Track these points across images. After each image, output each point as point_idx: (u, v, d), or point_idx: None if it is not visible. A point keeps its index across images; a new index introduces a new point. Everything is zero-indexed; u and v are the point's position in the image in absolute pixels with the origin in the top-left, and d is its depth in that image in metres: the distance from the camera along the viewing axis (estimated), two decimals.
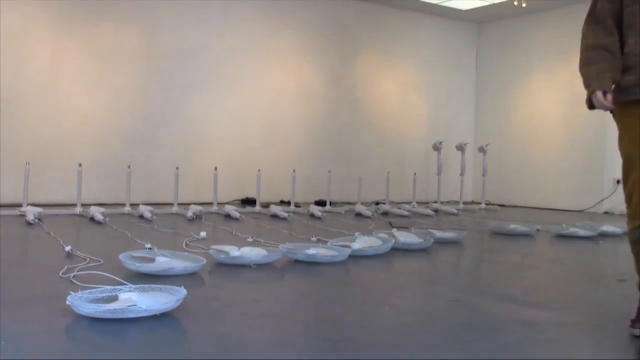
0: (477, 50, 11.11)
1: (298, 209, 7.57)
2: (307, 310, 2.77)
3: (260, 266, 3.64)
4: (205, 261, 3.43)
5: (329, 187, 8.15)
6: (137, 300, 2.40)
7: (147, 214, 6.22)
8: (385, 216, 7.46)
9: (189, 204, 7.16)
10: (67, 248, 3.89)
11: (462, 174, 9.47)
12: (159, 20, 8.12)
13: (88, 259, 3.61)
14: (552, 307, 2.97)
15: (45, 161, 7.33)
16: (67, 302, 2.35)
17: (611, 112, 2.47)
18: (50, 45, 7.44)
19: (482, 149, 9.61)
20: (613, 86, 2.41)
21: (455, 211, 8.25)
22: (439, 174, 9.32)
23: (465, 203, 9.54)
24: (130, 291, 2.52)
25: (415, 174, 9.10)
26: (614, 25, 2.46)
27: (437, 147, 9.36)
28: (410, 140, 10.24)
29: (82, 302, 2.39)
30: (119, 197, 7.34)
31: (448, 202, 9.51)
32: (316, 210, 7.16)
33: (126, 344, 2.17)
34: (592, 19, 2.50)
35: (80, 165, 6.66)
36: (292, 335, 2.36)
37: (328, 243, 4.35)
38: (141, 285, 2.61)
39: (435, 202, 9.14)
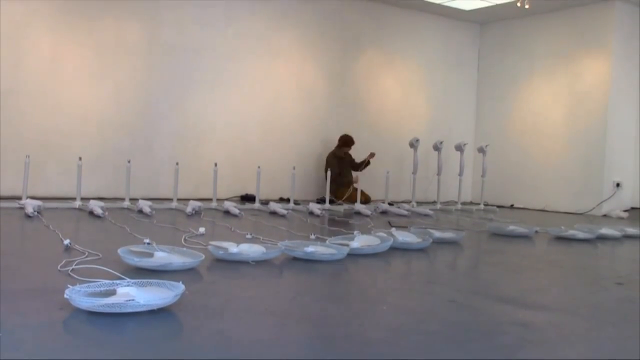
0: (479, 50, 11.11)
1: (297, 207, 7.58)
2: (305, 308, 2.78)
3: (259, 263, 3.65)
4: (203, 257, 3.43)
5: (328, 185, 8.14)
6: (135, 295, 2.40)
7: (147, 209, 6.22)
8: (385, 215, 7.46)
9: (189, 199, 7.16)
10: (66, 241, 3.89)
11: (460, 174, 9.46)
12: (161, 15, 8.11)
13: (87, 253, 3.61)
14: (550, 308, 2.97)
15: (45, 154, 7.33)
16: (65, 296, 2.35)
17: None
18: (51, 38, 7.44)
19: (481, 150, 9.61)
20: None
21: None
22: (439, 174, 9.32)
23: (463, 204, 9.54)
24: (128, 286, 2.52)
25: (413, 173, 9.10)
26: None
27: (437, 147, 9.35)
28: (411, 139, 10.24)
29: (80, 295, 2.39)
30: (119, 191, 7.34)
31: (447, 203, 9.51)
32: (315, 208, 7.17)
33: (124, 338, 2.17)
34: None
35: (80, 159, 6.66)
36: (290, 332, 2.36)
37: (327, 241, 4.35)
38: (139, 280, 2.60)
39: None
